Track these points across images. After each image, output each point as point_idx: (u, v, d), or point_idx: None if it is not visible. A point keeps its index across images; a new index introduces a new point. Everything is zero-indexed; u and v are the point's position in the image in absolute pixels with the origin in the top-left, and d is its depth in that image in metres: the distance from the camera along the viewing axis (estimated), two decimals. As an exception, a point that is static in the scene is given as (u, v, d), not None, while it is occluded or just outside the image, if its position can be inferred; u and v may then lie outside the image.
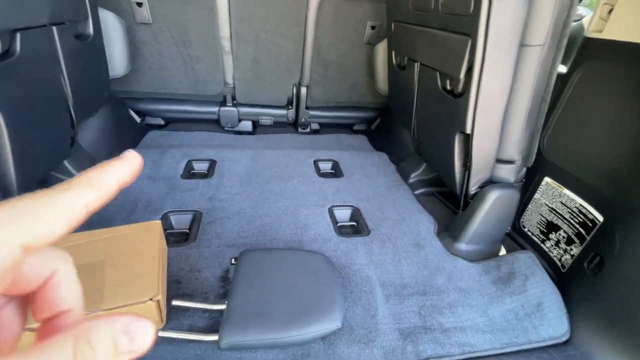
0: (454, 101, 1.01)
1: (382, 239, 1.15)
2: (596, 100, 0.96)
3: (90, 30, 1.22)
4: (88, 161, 1.31)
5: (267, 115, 1.94)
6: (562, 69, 1.10)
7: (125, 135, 1.66)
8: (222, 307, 0.80)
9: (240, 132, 1.99)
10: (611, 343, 0.82)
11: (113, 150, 1.51)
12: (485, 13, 0.80)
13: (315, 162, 1.65)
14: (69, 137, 1.16)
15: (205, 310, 0.83)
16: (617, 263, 0.83)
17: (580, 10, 1.86)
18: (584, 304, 0.91)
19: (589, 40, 0.98)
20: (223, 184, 1.37)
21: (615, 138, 0.90)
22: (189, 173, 1.47)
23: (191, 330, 0.79)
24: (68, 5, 1.09)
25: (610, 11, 0.93)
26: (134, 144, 1.68)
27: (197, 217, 1.17)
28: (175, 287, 0.90)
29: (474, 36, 0.85)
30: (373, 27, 1.68)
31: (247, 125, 1.98)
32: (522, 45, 0.85)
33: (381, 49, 1.65)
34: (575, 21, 1.28)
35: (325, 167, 1.67)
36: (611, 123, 0.91)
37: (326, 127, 2.14)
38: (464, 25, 0.88)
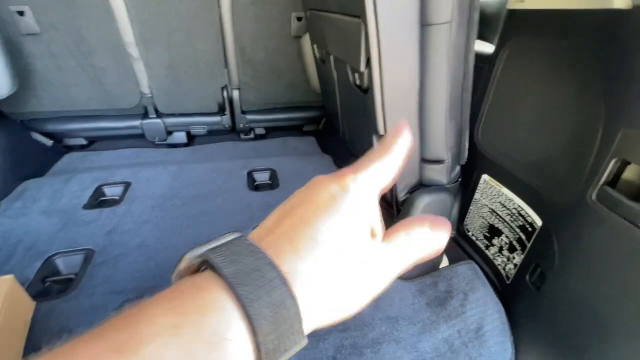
0: (363, 98, 0.86)
1: (306, 262, 0.99)
2: (526, 81, 0.81)
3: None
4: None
5: (199, 124, 1.75)
6: (489, 48, 0.96)
7: (27, 162, 1.45)
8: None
9: (174, 145, 1.80)
10: (559, 371, 0.68)
11: (7, 181, 1.31)
12: (369, -13, 0.64)
13: (250, 173, 1.48)
14: None
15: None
16: (558, 276, 0.69)
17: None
18: (530, 325, 0.77)
19: (512, 13, 0.83)
20: (130, 212, 1.19)
21: (548, 125, 0.76)
22: (96, 201, 1.29)
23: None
24: None
25: (532, -24, 0.78)
26: (41, 171, 1.48)
27: (88, 257, 0.99)
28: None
29: (364, 18, 0.69)
30: (299, 19, 1.51)
31: (179, 137, 1.79)
32: (425, 24, 0.70)
33: (306, 41, 1.48)
34: (500, -7, 1.14)
35: (262, 177, 1.50)
36: (543, 107, 0.77)
37: (273, 131, 1.97)
38: (355, 5, 0.72)
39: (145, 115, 1.67)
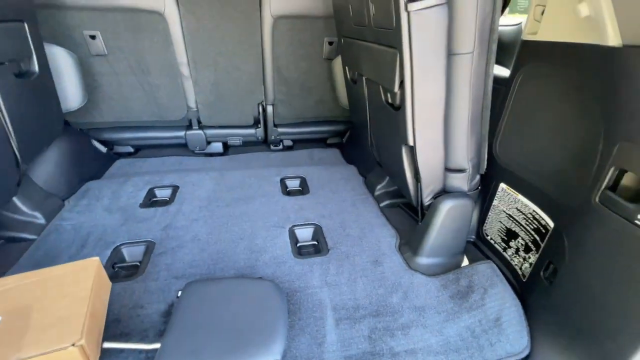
0: (395, 114, 0.99)
1: (340, 258, 1.11)
2: (538, 102, 0.94)
3: (35, 67, 1.22)
4: (41, 196, 1.28)
5: (236, 136, 1.93)
6: (505, 72, 1.09)
7: (88, 166, 1.64)
8: (158, 346, 0.77)
9: (211, 154, 1.97)
10: (570, 356, 0.77)
11: (72, 182, 1.49)
12: (406, 26, 0.78)
13: (282, 180, 1.63)
14: (15, 176, 1.14)
15: (141, 351, 0.79)
16: (568, 271, 0.79)
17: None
18: (544, 316, 0.86)
19: (525, 43, 0.96)
20: (182, 211, 1.34)
21: (558, 140, 0.88)
22: (150, 201, 1.45)
23: (123, 374, 0.75)
24: (6, 45, 1.08)
25: (543, 12, 0.92)
26: (98, 174, 1.67)
27: (149, 248, 1.14)
28: (114, 326, 0.87)
29: (400, 49, 0.83)
30: (330, 43, 1.69)
31: (217, 147, 1.97)
32: (451, 54, 0.84)
33: (337, 64, 1.64)
34: (515, 25, 1.27)
35: (293, 184, 1.64)
36: (554, 125, 0.89)
37: (300, 143, 2.12)
38: (392, 38, 0.87)
39: (189, 126, 1.85)
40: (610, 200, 0.68)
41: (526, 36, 0.96)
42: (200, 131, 1.86)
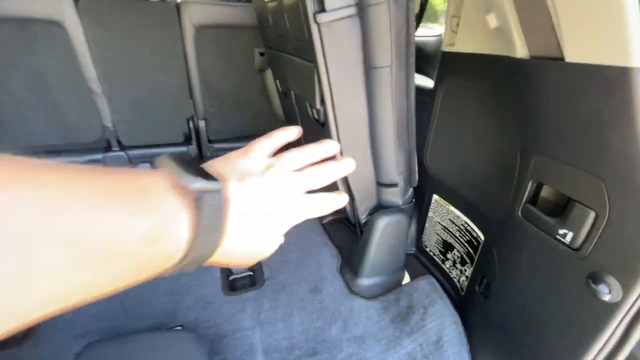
0: (322, 130, 0.93)
1: (276, 289, 1.02)
2: (460, 114, 0.93)
3: None
4: None
5: None
6: (431, 84, 1.08)
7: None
8: None
9: (139, 178, 1.78)
10: (509, 374, 0.75)
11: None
12: (318, 39, 0.72)
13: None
14: None
15: None
16: (500, 285, 0.78)
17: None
18: (482, 332, 0.84)
19: (445, 54, 0.95)
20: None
21: (481, 153, 0.87)
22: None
23: None
24: None
25: (458, 24, 0.91)
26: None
27: (47, 302, 0.96)
28: (-14, 415, 0.69)
29: (316, 63, 0.77)
30: (262, 54, 1.60)
31: (146, 167, 1.78)
32: (370, 68, 0.79)
33: (269, 75, 1.56)
34: (437, 36, 1.29)
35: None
36: (476, 137, 0.88)
37: None
38: (308, 52, 0.80)
39: (107, 148, 1.65)
40: (532, 214, 0.67)
41: (445, 47, 0.94)
42: (122, 152, 1.66)
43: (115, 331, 0.87)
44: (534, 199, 0.69)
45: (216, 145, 1.83)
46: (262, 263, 1.13)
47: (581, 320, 0.59)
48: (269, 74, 1.58)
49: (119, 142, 1.64)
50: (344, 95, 0.79)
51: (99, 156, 1.64)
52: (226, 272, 1.11)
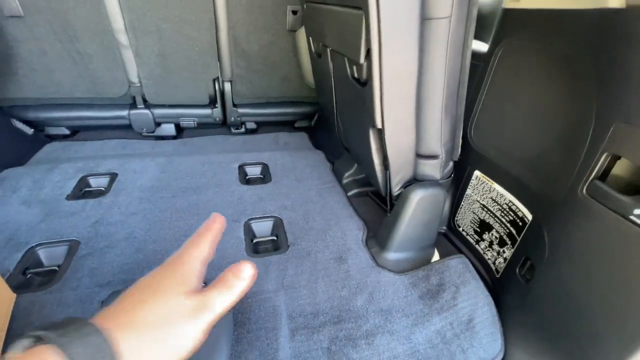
0: (361, 91, 0.86)
1: (300, 256, 0.99)
2: (520, 80, 0.83)
3: None
4: None
5: (189, 116, 1.72)
6: (483, 47, 0.98)
7: (6, 150, 1.39)
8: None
9: (162, 137, 1.76)
10: (547, 362, 0.70)
11: (-17, 170, 1.25)
12: (372, -22, 0.64)
13: (241, 167, 1.46)
14: None
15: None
16: (548, 268, 0.71)
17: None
18: (519, 317, 0.79)
19: (507, 12, 0.85)
20: (117, 203, 1.15)
21: (541, 123, 0.78)
22: (80, 192, 1.24)
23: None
24: None
25: (527, -23, 0.80)
26: (21, 161, 1.42)
27: (72, 249, 0.96)
28: (14, 351, 0.69)
29: (365, 10, 0.69)
30: (294, 12, 1.50)
31: (169, 129, 1.75)
32: (425, 19, 0.70)
33: (301, 35, 1.47)
34: (495, -7, 1.16)
35: (254, 171, 1.49)
36: (537, 106, 0.79)
37: (265, 126, 1.95)
38: (357, -4, 0.72)
39: (133, 105, 1.62)
40: (600, 192, 0.59)
41: (508, 4, 0.84)
42: (146, 110, 1.63)
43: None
44: (604, 174, 0.61)
45: (240, 110, 1.78)
46: (285, 229, 1.10)
47: (650, 311, 0.53)
48: (301, 35, 1.49)
49: (144, 100, 1.61)
50: (393, 49, 0.71)
51: (124, 112, 1.61)
52: (250, 234, 1.09)
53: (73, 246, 0.96)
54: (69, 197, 1.17)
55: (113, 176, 1.31)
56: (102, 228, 1.03)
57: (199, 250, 0.37)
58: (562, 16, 0.69)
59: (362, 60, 0.78)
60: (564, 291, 0.68)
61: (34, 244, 0.96)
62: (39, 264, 0.94)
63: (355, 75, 0.90)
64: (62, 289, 0.83)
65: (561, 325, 0.68)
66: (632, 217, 0.54)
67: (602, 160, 0.59)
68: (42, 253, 0.95)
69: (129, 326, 0.30)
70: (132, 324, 0.30)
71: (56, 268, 0.92)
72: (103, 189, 1.26)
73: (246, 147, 1.72)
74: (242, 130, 1.90)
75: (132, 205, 1.14)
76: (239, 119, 1.81)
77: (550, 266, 0.71)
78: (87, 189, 1.27)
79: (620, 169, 0.59)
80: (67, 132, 1.67)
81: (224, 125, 1.86)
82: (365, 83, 0.83)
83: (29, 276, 0.90)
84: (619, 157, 0.58)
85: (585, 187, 0.63)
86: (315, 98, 1.81)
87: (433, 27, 0.71)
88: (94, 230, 1.02)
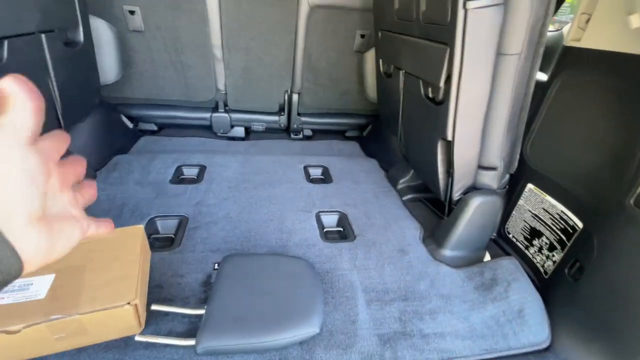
0: (435, 108, 1.02)
1: (367, 245, 1.15)
2: (574, 108, 0.97)
3: (81, 37, 1.24)
4: (77, 166, 1.31)
5: (259, 122, 1.96)
6: (543, 77, 1.12)
7: (117, 140, 1.67)
8: (202, 311, 0.81)
9: (232, 138, 2.00)
10: (591, 351, 0.82)
11: (103, 154, 1.52)
12: (461, 23, 0.81)
13: (305, 168, 1.66)
14: (57, 142, 1.17)
15: (184, 315, 0.83)
16: (596, 269, 0.84)
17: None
18: (565, 311, 0.91)
19: (567, 49, 0.99)
20: (211, 189, 1.37)
21: (591, 146, 0.91)
22: (178, 178, 1.48)
23: (170, 334, 0.79)
24: (58, 13, 1.11)
25: (588, 20, 0.95)
26: (125, 149, 1.70)
27: (183, 222, 1.18)
28: (157, 291, 0.90)
29: (451, 45, 0.86)
30: (362, 36, 1.71)
31: (239, 131, 1.99)
32: (500, 54, 0.87)
33: (370, 57, 1.67)
34: (556, 30, 1.30)
35: (315, 172, 1.68)
36: (588, 131, 0.93)
37: (319, 134, 2.15)
38: (443, 34, 0.90)
39: (215, 109, 1.88)
40: (646, 203, 0.72)
41: (569, 42, 0.99)
42: (226, 114, 1.89)
43: (239, 252, 1.06)
44: (651, 190, 0.74)
45: (303, 119, 2.00)
46: (350, 222, 1.27)
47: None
48: (368, 55, 1.69)
49: (225, 105, 1.87)
50: (471, 77, 0.88)
51: (207, 115, 1.88)
52: (321, 224, 1.27)
53: (183, 220, 1.19)
54: (171, 182, 1.41)
55: (202, 168, 1.54)
56: (204, 208, 1.25)
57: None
58: (617, 57, 0.83)
59: (441, 84, 0.95)
60: (609, 289, 0.80)
61: (153, 216, 1.19)
62: (157, 231, 1.17)
63: (430, 95, 1.07)
64: (182, 251, 1.04)
65: (606, 318, 0.80)
66: (673, 224, 0.66)
67: (649, 177, 0.72)
68: (159, 223, 1.18)
69: None
70: None
71: (172, 236, 1.14)
72: (194, 177, 1.50)
73: (305, 151, 1.93)
74: (300, 136, 2.12)
75: (223, 192, 1.36)
76: (300, 126, 2.03)
77: (598, 267, 0.83)
78: (182, 177, 1.51)
79: (665, 185, 0.72)
80: (155, 128, 1.95)
81: (285, 131, 2.08)
82: (440, 102, 1.00)
83: (151, 240, 1.13)
84: (664, 176, 0.71)
85: (633, 199, 0.75)
86: (368, 111, 2.00)
87: (506, 61, 0.87)
88: (197, 209, 1.24)
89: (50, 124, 1.10)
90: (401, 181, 1.53)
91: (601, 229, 0.84)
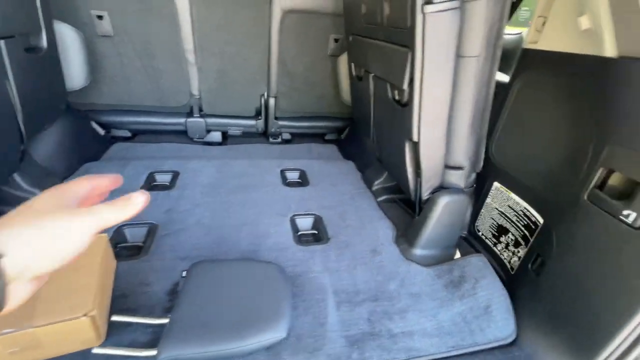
0: (402, 110, 1.04)
1: (340, 247, 1.15)
2: (534, 108, 1.00)
3: (44, 43, 1.21)
4: (41, 174, 1.27)
5: (236, 126, 1.94)
6: (505, 78, 1.15)
7: (86, 147, 1.63)
8: (166, 321, 0.79)
9: (209, 143, 1.98)
10: (554, 343, 0.84)
11: (72, 162, 1.48)
12: (420, 27, 0.83)
13: (283, 172, 1.66)
14: (18, 151, 1.13)
15: (148, 325, 0.81)
16: (555, 263, 0.86)
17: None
18: (530, 305, 0.93)
19: (526, 51, 1.03)
20: (184, 196, 1.35)
21: (550, 143, 0.94)
22: (150, 185, 1.45)
23: (132, 345, 0.77)
24: (18, 18, 1.08)
25: (544, 23, 0.98)
26: (96, 157, 1.66)
27: (152, 230, 1.16)
28: (121, 301, 0.88)
29: (413, 48, 0.88)
30: (336, 40, 1.73)
31: (216, 136, 1.98)
32: (459, 56, 0.89)
33: (343, 60, 1.68)
34: (517, 34, 1.34)
35: (293, 176, 1.68)
36: (547, 129, 0.96)
37: (298, 137, 2.16)
38: (405, 38, 0.92)
39: (189, 114, 1.86)
40: (598, 198, 0.75)
41: (527, 45, 1.02)
42: (201, 119, 1.87)
43: (209, 259, 1.05)
44: (602, 185, 0.77)
45: (280, 122, 2.00)
46: (325, 225, 1.27)
47: (633, 290, 0.67)
48: (341, 59, 1.70)
49: (200, 110, 1.85)
50: (432, 79, 0.90)
51: (182, 120, 1.85)
52: (295, 228, 1.26)
53: (152, 228, 1.16)
54: (142, 189, 1.38)
55: (175, 174, 1.52)
56: (175, 215, 1.23)
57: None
58: (570, 58, 0.86)
59: (405, 86, 0.96)
60: (569, 281, 0.82)
61: (121, 224, 1.16)
62: (125, 240, 1.14)
63: (396, 97, 1.08)
64: (150, 259, 1.02)
65: (566, 308, 0.82)
66: (621, 217, 0.69)
67: (599, 173, 0.75)
68: (127, 232, 1.15)
69: (7, 226, 0.29)
70: (13, 225, 0.29)
71: (141, 244, 1.11)
72: (167, 183, 1.47)
73: (283, 155, 1.92)
74: (279, 140, 2.12)
75: (196, 198, 1.34)
76: (278, 130, 2.03)
77: (557, 260, 0.86)
78: (154, 183, 1.48)
79: (614, 180, 0.75)
80: (129, 134, 1.92)
81: (263, 135, 2.08)
82: (405, 104, 1.01)
83: (118, 249, 1.10)
84: (613, 171, 0.74)
85: (587, 195, 0.78)
86: (345, 114, 2.02)
87: (465, 63, 0.90)
88: (167, 216, 1.22)
89: (10, 132, 1.07)
90: (376, 182, 1.54)
91: (560, 224, 0.87)
